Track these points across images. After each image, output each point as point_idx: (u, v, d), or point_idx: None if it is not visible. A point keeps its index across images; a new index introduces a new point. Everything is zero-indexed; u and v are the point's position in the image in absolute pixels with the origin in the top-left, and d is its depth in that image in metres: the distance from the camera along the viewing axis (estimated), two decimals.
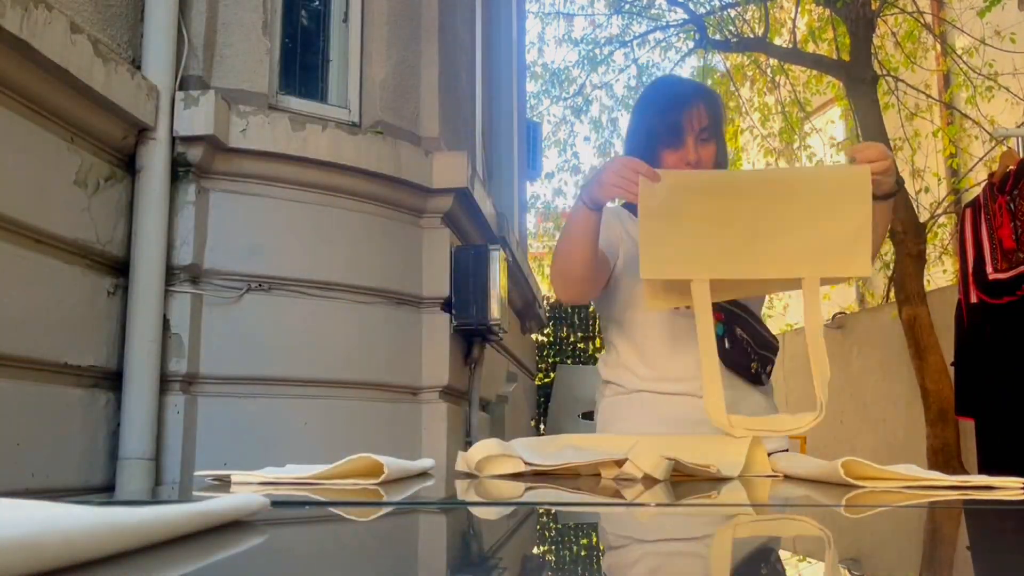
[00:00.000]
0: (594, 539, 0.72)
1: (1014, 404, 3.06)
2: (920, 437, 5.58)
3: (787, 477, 1.30)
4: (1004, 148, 5.62)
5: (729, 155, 1.95)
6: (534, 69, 9.23)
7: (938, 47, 7.70)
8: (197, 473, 1.28)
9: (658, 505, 1.04)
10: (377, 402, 3.00)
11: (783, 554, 0.65)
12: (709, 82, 9.16)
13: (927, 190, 7.25)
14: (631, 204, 1.75)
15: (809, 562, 0.61)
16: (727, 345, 1.71)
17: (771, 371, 1.82)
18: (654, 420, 1.74)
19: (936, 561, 0.62)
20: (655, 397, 1.77)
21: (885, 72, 6.83)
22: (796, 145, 9.41)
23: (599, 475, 1.24)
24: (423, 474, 1.37)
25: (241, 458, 2.54)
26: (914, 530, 0.80)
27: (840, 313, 8.36)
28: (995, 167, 5.66)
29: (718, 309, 1.64)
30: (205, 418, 2.66)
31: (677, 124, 1.75)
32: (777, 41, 7.49)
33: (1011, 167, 3.14)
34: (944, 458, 5.13)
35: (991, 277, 3.11)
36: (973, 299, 3.19)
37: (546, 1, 9.67)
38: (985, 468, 3.20)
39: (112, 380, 2.52)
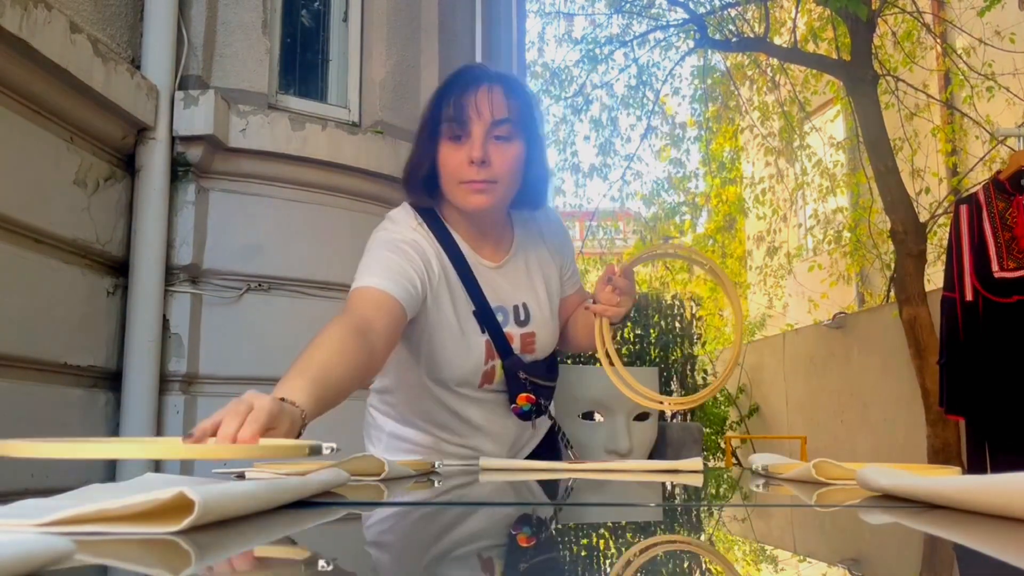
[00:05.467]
0: (594, 539, 0.72)
1: (1012, 402, 3.06)
2: (920, 437, 5.57)
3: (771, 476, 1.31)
4: (1005, 148, 5.62)
5: (550, 164, 1.62)
6: (534, 69, 9.23)
7: (938, 47, 7.70)
8: (215, 471, 1.30)
9: (657, 505, 1.04)
10: None
11: (780, 551, 0.65)
12: (709, 82, 9.17)
13: (927, 190, 7.25)
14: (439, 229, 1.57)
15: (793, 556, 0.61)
16: (533, 425, 1.75)
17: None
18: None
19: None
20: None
21: (885, 72, 6.83)
22: (796, 144, 9.42)
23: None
24: (432, 472, 1.37)
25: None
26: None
27: (840, 313, 8.36)
28: (995, 167, 5.66)
29: (531, 390, 1.63)
30: (204, 418, 2.66)
31: (460, 110, 1.44)
32: (777, 41, 7.49)
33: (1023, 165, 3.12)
34: (944, 458, 5.13)
35: (997, 275, 3.11)
36: (969, 297, 3.18)
37: (546, 1, 9.67)
38: (974, 466, 3.20)
39: (112, 380, 2.52)
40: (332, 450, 0.82)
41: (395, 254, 1.47)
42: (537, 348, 1.68)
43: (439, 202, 1.57)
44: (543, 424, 1.85)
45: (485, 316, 1.58)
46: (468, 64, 1.66)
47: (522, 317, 1.65)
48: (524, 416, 1.66)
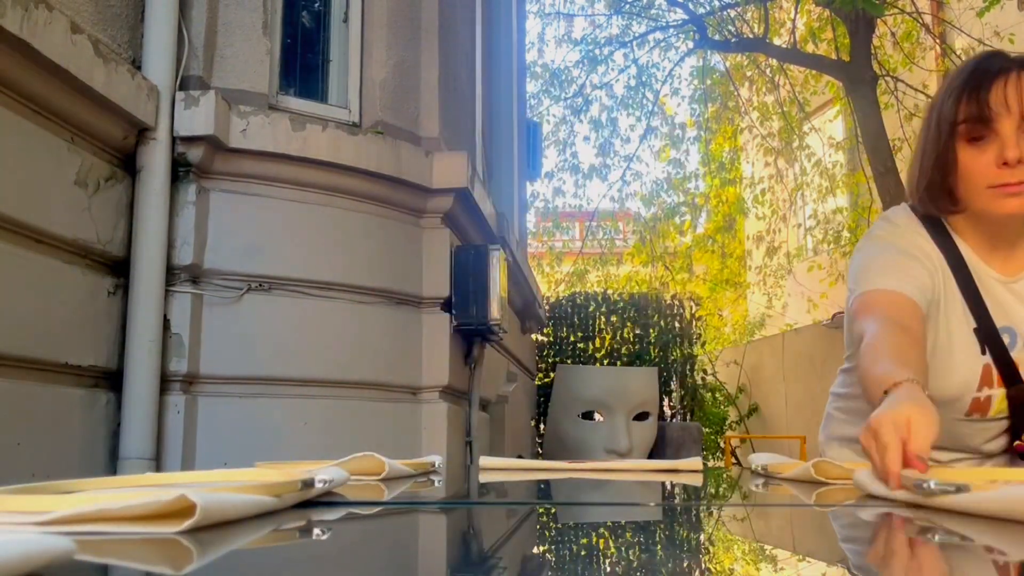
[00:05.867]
0: (594, 539, 0.72)
1: None
2: None
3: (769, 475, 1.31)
4: None
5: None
6: (534, 69, 9.23)
7: (937, 47, 7.70)
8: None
9: (657, 505, 1.05)
10: (377, 402, 3.00)
11: (775, 548, 0.65)
12: (708, 82, 9.18)
13: None
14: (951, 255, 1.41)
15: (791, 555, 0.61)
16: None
17: None
18: None
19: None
20: None
21: (885, 72, 6.83)
22: (795, 145, 9.43)
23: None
24: (431, 470, 1.37)
25: (241, 458, 2.54)
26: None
27: (840, 313, 8.36)
28: None
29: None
30: (205, 418, 2.66)
31: (982, 106, 1.27)
32: (776, 41, 7.50)
33: None
34: None
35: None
36: None
37: (546, 1, 9.67)
38: None
39: (112, 380, 2.52)
40: (325, 483, 0.84)
41: (904, 257, 1.38)
42: None
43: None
44: None
45: (990, 336, 1.39)
46: (986, 52, 1.42)
47: None
48: None
